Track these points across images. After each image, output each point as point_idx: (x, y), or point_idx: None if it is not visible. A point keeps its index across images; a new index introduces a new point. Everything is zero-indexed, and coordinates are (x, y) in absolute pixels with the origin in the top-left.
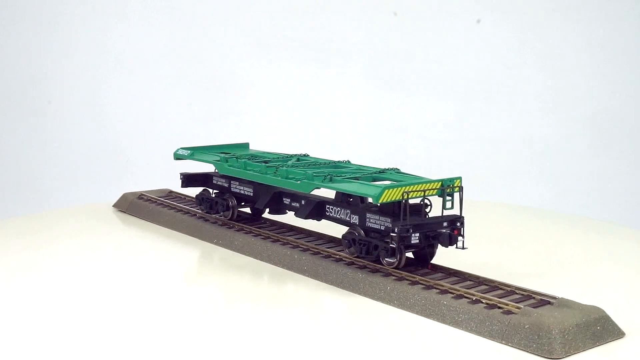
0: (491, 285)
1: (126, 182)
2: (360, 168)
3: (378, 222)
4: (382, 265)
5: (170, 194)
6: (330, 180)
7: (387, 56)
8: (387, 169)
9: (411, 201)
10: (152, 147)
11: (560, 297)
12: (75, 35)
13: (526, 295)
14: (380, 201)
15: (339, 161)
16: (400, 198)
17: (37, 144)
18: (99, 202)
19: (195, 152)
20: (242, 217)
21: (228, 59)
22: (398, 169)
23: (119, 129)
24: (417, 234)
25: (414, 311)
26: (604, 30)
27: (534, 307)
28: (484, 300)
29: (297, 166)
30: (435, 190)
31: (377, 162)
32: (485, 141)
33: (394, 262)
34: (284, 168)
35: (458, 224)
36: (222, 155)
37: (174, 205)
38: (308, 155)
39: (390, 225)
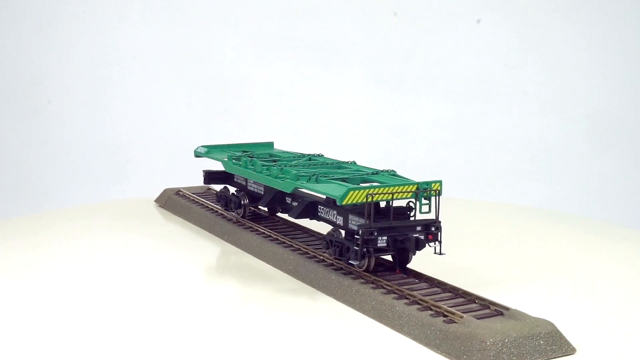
0: (455, 293)
1: (126, 182)
2: (359, 169)
3: (357, 223)
4: (353, 267)
5: (207, 191)
6: (316, 180)
7: (387, 56)
8: (382, 171)
9: (395, 204)
10: (152, 147)
11: (513, 308)
12: (75, 35)
13: (484, 305)
14: (344, 202)
15: (345, 162)
16: (364, 200)
17: (37, 144)
18: (133, 199)
19: (211, 150)
20: (259, 216)
21: (228, 59)
22: (394, 171)
23: (119, 129)
24: (385, 238)
25: (370, 315)
26: (604, 30)
27: (480, 318)
28: (433, 308)
29: (299, 166)
30: (410, 194)
31: (377, 163)
32: (485, 141)
33: (357, 264)
34: (275, 167)
35: (433, 229)
36: (231, 153)
37: (202, 202)
38: (322, 155)
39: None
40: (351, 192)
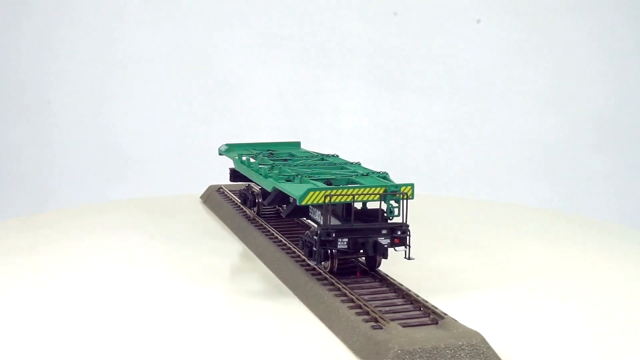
0: (408, 299)
1: (126, 182)
2: (356, 170)
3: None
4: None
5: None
6: (300, 181)
7: (387, 56)
8: (374, 172)
9: (369, 205)
10: (152, 147)
11: (451, 316)
12: (75, 35)
13: (426, 312)
14: (303, 202)
15: (351, 163)
16: (322, 201)
17: (37, 144)
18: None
19: (230, 148)
20: (277, 214)
21: (228, 59)
22: (386, 173)
23: (119, 128)
24: (346, 240)
25: (320, 317)
26: (605, 29)
27: (408, 326)
28: (370, 313)
29: (299, 165)
30: (375, 196)
31: (376, 163)
32: (485, 141)
33: (315, 264)
34: (267, 166)
35: (399, 233)
36: (248, 152)
37: (235, 199)
38: (336, 156)
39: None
40: (311, 193)
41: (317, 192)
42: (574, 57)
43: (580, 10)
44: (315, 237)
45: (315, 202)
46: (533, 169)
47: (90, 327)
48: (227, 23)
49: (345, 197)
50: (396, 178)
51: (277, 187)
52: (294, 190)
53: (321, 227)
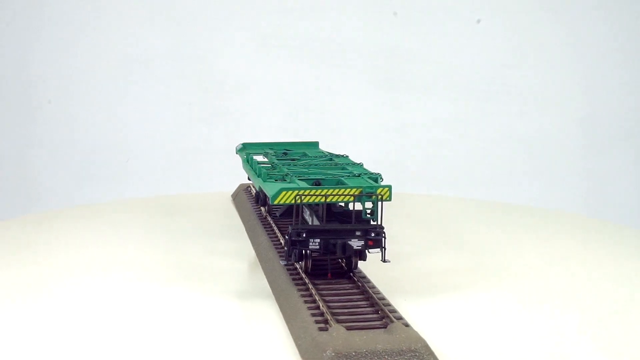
0: (371, 301)
1: (126, 183)
2: (352, 171)
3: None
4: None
5: None
6: (290, 180)
7: (387, 56)
8: (368, 174)
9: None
10: (152, 146)
11: (400, 320)
12: (75, 34)
13: (381, 315)
14: (276, 202)
15: (354, 163)
16: (293, 201)
17: (37, 144)
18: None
19: (245, 147)
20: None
21: (228, 59)
22: (378, 174)
23: (119, 128)
24: (318, 240)
25: (285, 316)
26: (602, 29)
27: (354, 328)
28: (325, 315)
29: (298, 165)
30: (349, 197)
31: (375, 163)
32: (484, 141)
33: (285, 264)
34: (259, 165)
35: (372, 235)
36: (262, 151)
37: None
38: (346, 157)
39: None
40: (283, 192)
41: (289, 192)
42: (573, 57)
43: (579, 10)
44: (286, 237)
45: (287, 201)
46: (532, 169)
47: (88, 324)
48: (228, 23)
49: (317, 197)
50: (395, 178)
51: (261, 187)
52: (269, 189)
53: (292, 227)
